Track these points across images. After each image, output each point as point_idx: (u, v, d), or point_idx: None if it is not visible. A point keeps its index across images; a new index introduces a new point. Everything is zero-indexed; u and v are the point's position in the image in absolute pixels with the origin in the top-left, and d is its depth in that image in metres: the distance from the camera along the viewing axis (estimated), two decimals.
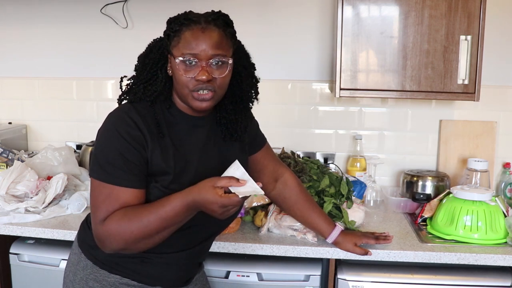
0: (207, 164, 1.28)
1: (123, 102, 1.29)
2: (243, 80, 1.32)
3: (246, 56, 1.36)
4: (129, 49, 2.39)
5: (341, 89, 1.98)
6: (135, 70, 1.30)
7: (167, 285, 1.32)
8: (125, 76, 1.33)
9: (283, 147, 2.10)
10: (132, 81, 1.30)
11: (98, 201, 1.17)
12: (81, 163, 2.27)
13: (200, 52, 1.17)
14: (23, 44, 2.51)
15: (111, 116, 1.22)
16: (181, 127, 1.27)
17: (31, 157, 2.17)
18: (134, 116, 1.19)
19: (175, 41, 1.20)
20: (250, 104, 1.37)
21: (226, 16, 1.24)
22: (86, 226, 1.35)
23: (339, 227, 1.61)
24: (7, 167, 2.08)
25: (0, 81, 2.56)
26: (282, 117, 2.38)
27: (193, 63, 1.18)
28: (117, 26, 2.39)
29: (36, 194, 1.93)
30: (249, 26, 2.32)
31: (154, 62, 1.26)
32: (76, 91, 2.50)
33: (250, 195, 1.13)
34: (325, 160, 2.35)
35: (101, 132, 1.21)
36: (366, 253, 1.57)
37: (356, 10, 1.92)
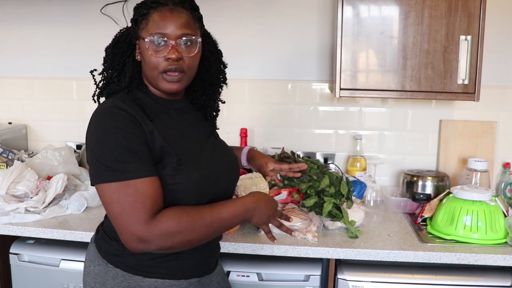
0: (200, 141, 1.30)
1: (101, 99, 1.28)
2: (211, 65, 1.34)
3: (214, 43, 1.37)
4: None
5: (341, 89, 1.98)
6: (104, 64, 1.29)
7: (201, 274, 1.31)
8: (95, 70, 1.32)
9: (283, 147, 2.09)
10: (104, 74, 1.29)
11: (128, 203, 1.08)
12: (81, 163, 2.26)
13: (169, 32, 1.17)
14: (23, 44, 2.51)
15: (99, 114, 1.17)
16: (160, 109, 1.26)
17: (31, 157, 2.17)
18: (122, 106, 1.16)
19: (143, 24, 1.19)
20: (220, 89, 1.39)
21: (193, 0, 1.25)
22: (106, 237, 1.28)
23: (249, 146, 1.64)
24: (7, 167, 2.08)
25: (0, 81, 2.56)
26: (282, 117, 2.38)
27: (162, 42, 1.17)
28: (117, 26, 2.38)
29: (36, 194, 1.93)
30: (249, 26, 2.32)
31: (123, 51, 1.25)
32: (76, 91, 2.50)
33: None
34: (325, 160, 2.35)
35: (94, 133, 1.15)
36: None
37: (356, 10, 1.92)
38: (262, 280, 1.69)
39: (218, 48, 1.38)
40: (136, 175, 1.09)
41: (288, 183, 1.85)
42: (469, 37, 1.87)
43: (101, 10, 2.37)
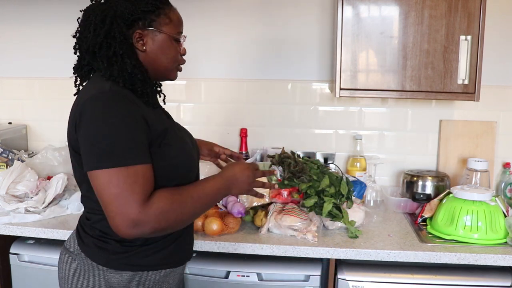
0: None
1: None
2: None
3: None
4: None
5: (341, 89, 1.98)
6: (91, 50, 1.22)
7: (190, 256, 1.41)
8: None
9: (283, 147, 2.09)
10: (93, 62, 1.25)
11: (127, 185, 1.08)
12: None
13: (183, 32, 1.33)
14: (23, 44, 2.51)
15: (97, 99, 1.14)
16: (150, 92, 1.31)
17: (31, 157, 2.18)
18: (120, 90, 1.18)
19: (163, 19, 1.25)
20: None
21: None
22: (100, 242, 1.24)
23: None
24: (7, 167, 2.08)
25: (0, 81, 2.56)
26: (282, 117, 2.38)
27: (182, 40, 1.32)
28: None
29: (36, 194, 1.93)
30: (249, 26, 2.32)
31: (120, 34, 1.21)
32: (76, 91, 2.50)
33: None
34: (325, 160, 2.34)
35: (92, 118, 1.12)
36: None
37: (356, 10, 1.92)
38: (262, 280, 1.69)
39: None
40: (136, 161, 1.11)
41: (288, 183, 1.85)
42: (469, 37, 1.87)
43: None
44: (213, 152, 1.70)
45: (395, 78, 1.95)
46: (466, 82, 1.91)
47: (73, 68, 1.35)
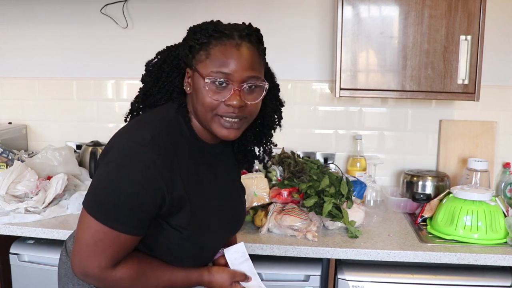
0: (224, 196, 1.22)
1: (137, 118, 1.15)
2: (267, 104, 1.16)
3: (272, 75, 1.21)
4: (129, 49, 2.41)
5: (341, 89, 1.98)
6: (142, 81, 1.16)
7: None
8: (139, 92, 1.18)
9: (283, 147, 2.10)
10: (141, 95, 1.16)
11: (102, 244, 1.02)
12: (81, 163, 2.27)
13: (233, 73, 1.02)
14: (23, 44, 2.51)
15: (127, 148, 1.01)
16: (196, 150, 1.13)
17: (31, 157, 2.17)
18: (155, 147, 1.01)
19: (201, 56, 1.04)
20: (273, 131, 1.22)
21: (259, 31, 1.11)
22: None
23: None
24: (7, 167, 2.08)
25: (0, 81, 2.56)
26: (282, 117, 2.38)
27: (224, 84, 1.03)
28: (117, 26, 2.39)
29: (36, 194, 1.92)
30: None
31: (168, 74, 1.11)
32: (76, 91, 2.50)
33: None
34: (325, 160, 2.34)
35: (110, 164, 1.02)
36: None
37: (356, 10, 1.92)
38: (262, 280, 1.68)
39: (276, 82, 1.21)
40: (125, 230, 1.03)
41: (288, 183, 1.86)
42: (469, 37, 1.87)
43: (101, 10, 2.37)
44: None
45: (395, 78, 1.95)
46: (466, 82, 1.90)
47: (136, 99, 1.19)
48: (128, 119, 1.19)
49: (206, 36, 1.04)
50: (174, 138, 1.07)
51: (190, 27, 1.10)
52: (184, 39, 1.10)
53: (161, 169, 1.01)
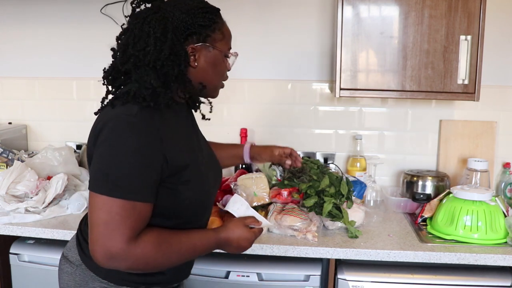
0: (204, 149, 1.33)
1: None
2: None
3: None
4: None
5: (341, 89, 1.98)
6: (151, 65, 1.13)
7: (187, 275, 1.37)
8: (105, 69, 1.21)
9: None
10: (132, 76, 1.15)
11: (120, 217, 1.04)
12: (81, 163, 2.26)
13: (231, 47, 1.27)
14: (23, 44, 2.51)
15: (120, 122, 1.07)
16: (179, 116, 1.25)
17: (31, 157, 2.17)
18: (147, 117, 1.09)
19: (217, 35, 1.20)
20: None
21: None
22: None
23: (248, 142, 1.68)
24: (7, 167, 2.08)
25: (0, 81, 2.56)
26: (282, 117, 2.38)
27: (231, 57, 1.27)
28: (117, 26, 2.37)
29: (36, 194, 1.93)
30: (249, 26, 2.32)
31: (184, 50, 1.16)
32: (76, 91, 2.50)
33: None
34: (325, 160, 2.35)
35: (108, 141, 1.07)
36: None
37: (356, 10, 1.92)
38: (262, 280, 1.69)
39: None
40: (137, 198, 1.06)
41: (288, 183, 1.85)
42: (469, 37, 1.87)
43: (101, 10, 2.37)
44: (275, 157, 1.67)
45: (395, 78, 1.95)
46: (466, 82, 1.91)
47: (105, 73, 1.23)
48: (105, 82, 1.22)
49: (216, 16, 1.20)
50: (156, 108, 1.13)
51: (198, 6, 1.17)
52: (184, 20, 1.15)
53: (156, 132, 1.09)
